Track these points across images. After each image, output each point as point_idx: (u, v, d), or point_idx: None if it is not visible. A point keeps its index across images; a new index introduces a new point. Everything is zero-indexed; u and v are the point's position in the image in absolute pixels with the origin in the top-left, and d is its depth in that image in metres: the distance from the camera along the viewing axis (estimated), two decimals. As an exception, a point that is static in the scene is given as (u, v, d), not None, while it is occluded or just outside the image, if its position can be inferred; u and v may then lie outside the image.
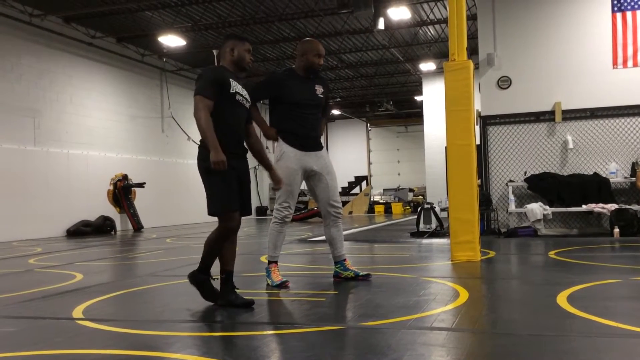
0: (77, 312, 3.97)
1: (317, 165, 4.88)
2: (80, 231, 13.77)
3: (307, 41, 4.96)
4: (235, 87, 3.98)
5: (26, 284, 5.54)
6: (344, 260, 5.03)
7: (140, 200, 15.75)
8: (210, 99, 3.85)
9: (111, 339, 3.23)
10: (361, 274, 4.99)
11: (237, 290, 4.03)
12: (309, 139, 4.86)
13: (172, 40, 15.41)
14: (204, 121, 3.77)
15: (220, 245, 3.96)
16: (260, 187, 24.55)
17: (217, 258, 4.04)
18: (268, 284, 4.78)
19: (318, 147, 4.95)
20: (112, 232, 14.40)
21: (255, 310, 3.88)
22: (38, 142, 13.53)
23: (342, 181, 26.58)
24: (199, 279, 4.03)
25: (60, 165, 14.06)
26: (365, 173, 29.44)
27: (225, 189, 3.85)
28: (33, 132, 13.44)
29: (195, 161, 4.02)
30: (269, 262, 4.87)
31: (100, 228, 14.20)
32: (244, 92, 4.08)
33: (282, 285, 4.71)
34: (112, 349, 2.98)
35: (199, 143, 3.98)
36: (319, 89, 4.95)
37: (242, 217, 4.07)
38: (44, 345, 3.10)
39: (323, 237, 5.25)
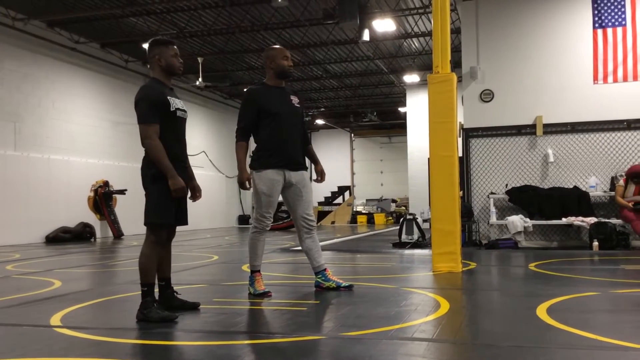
0: (55, 319, 3.92)
1: (294, 178, 4.88)
2: (60, 238, 13.59)
3: (271, 48, 4.98)
4: (174, 103, 3.94)
5: (4, 291, 5.45)
6: (325, 270, 5.02)
7: (121, 207, 15.61)
8: (156, 123, 3.81)
9: (89, 347, 3.19)
10: (343, 284, 4.98)
11: (178, 295, 4.11)
12: (289, 149, 4.84)
13: (156, 47, 15.32)
14: (156, 149, 3.76)
15: (155, 257, 3.91)
16: (242, 196, 24.47)
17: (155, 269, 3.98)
18: (250, 293, 4.76)
19: (300, 166, 4.93)
20: (92, 239, 14.23)
21: (236, 319, 3.86)
22: (18, 147, 13.36)
23: (325, 191, 26.59)
24: (145, 305, 3.78)
25: (40, 170, 13.88)
26: (348, 183, 29.48)
27: (168, 201, 3.82)
28: (14, 136, 13.28)
29: None
30: (252, 272, 4.85)
31: (80, 235, 14.04)
32: (180, 103, 4.05)
33: (264, 295, 4.69)
34: (90, 357, 2.95)
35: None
36: (295, 99, 4.97)
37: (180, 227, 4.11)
38: (21, 353, 3.06)
39: (305, 247, 5.23)
